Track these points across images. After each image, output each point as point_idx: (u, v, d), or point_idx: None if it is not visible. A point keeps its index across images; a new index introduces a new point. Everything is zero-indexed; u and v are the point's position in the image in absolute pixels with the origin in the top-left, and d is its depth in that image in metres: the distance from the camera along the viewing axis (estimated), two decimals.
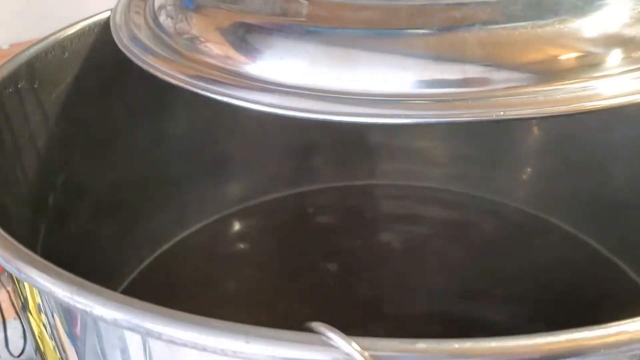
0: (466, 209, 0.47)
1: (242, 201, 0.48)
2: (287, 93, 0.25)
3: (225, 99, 0.25)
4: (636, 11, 0.26)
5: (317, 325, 0.18)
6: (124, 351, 0.23)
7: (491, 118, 0.23)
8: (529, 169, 0.48)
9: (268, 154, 0.47)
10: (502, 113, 0.23)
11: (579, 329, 0.18)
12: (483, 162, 0.48)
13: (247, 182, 0.49)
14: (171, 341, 0.19)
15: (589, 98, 0.23)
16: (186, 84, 0.27)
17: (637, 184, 0.41)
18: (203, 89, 0.26)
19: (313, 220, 0.48)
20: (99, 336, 0.23)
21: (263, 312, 0.40)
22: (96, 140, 0.39)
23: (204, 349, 0.19)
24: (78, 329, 0.24)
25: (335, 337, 0.17)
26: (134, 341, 0.22)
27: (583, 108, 0.23)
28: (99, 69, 0.37)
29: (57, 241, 0.38)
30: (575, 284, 0.40)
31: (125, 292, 0.44)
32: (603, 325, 0.18)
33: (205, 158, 0.45)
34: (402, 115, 0.23)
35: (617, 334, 0.18)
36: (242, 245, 0.48)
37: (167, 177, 0.44)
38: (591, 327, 0.18)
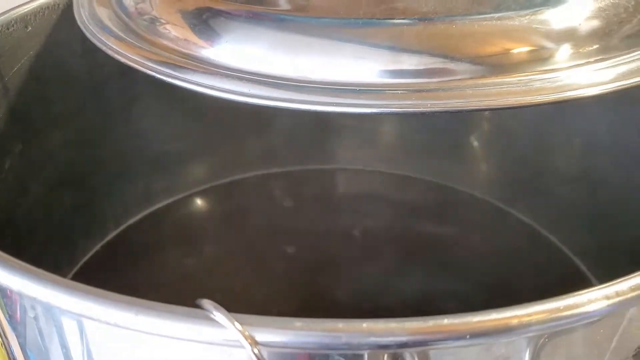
0: (424, 195, 0.48)
1: (206, 182, 0.49)
2: (243, 79, 0.25)
3: (186, 85, 0.26)
4: (589, 8, 0.27)
5: (204, 303, 0.19)
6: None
7: (446, 109, 0.24)
8: (485, 157, 0.49)
9: (230, 135, 0.48)
10: (457, 104, 0.24)
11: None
12: (442, 149, 0.49)
13: (211, 163, 0.49)
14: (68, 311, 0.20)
15: (540, 91, 0.24)
16: (152, 70, 0.27)
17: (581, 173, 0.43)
18: (163, 74, 0.26)
19: (273, 203, 0.48)
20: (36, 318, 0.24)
21: (219, 292, 0.41)
22: (56, 115, 0.39)
23: (99, 321, 0.20)
24: (18, 313, 0.25)
25: (219, 315, 0.18)
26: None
27: (535, 101, 0.24)
28: (62, 45, 0.37)
29: (16, 210, 0.38)
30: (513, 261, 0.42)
31: (88, 264, 0.45)
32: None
33: (167, 138, 0.46)
34: (355, 104, 0.23)
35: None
36: (203, 225, 0.48)
37: (129, 155, 0.44)
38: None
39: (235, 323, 0.18)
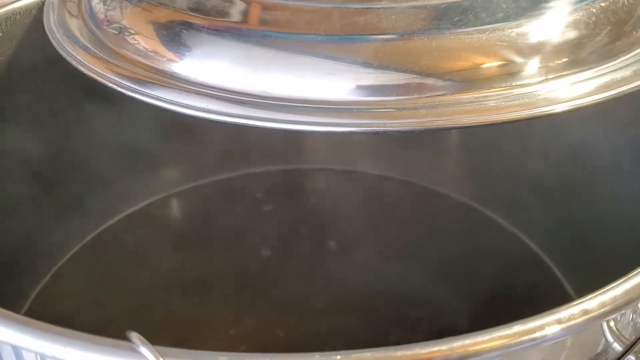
0: (403, 196, 0.49)
1: (183, 183, 0.49)
2: (203, 94, 0.25)
3: (147, 100, 0.26)
4: (556, 22, 0.27)
5: (132, 336, 0.19)
6: None
7: (411, 128, 0.24)
8: (464, 158, 0.49)
9: (208, 135, 0.48)
10: (415, 124, 0.24)
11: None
12: (422, 150, 0.49)
13: (188, 164, 0.50)
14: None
15: (510, 108, 0.24)
16: (115, 83, 0.27)
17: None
18: (130, 90, 0.27)
19: (250, 204, 0.48)
20: None
21: (194, 293, 0.41)
22: (30, 120, 0.39)
23: (29, 350, 0.20)
24: None
25: (145, 349, 0.19)
26: None
27: (503, 118, 0.24)
28: (35, 51, 0.37)
29: None
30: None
31: (67, 265, 0.45)
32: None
33: (143, 139, 0.46)
34: (315, 122, 0.24)
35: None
36: (181, 226, 0.49)
37: (104, 158, 0.44)
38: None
39: (160, 358, 0.18)
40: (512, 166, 0.45)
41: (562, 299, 0.40)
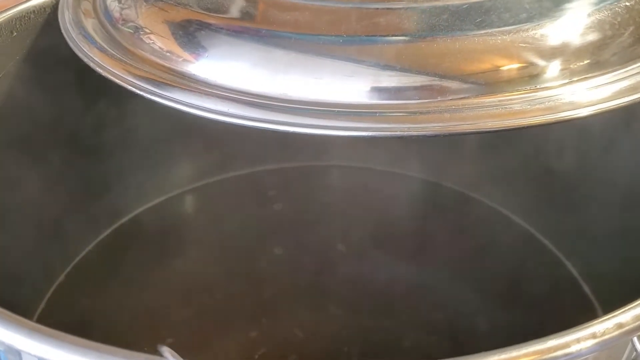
0: (416, 192, 0.48)
1: (197, 179, 0.49)
2: (223, 97, 0.25)
3: (165, 102, 0.26)
4: (578, 23, 0.26)
5: (164, 350, 0.19)
6: None
7: (436, 133, 0.23)
8: (478, 155, 0.49)
9: (222, 132, 0.48)
10: (436, 128, 0.23)
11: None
12: (435, 146, 0.49)
13: (203, 160, 0.49)
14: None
15: (535, 112, 0.24)
16: (132, 85, 0.27)
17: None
18: (147, 92, 0.26)
19: (264, 200, 0.48)
20: None
21: (208, 292, 0.41)
22: (44, 119, 0.39)
23: None
24: None
25: None
26: None
27: (528, 122, 0.24)
28: (50, 50, 0.37)
29: (5, 213, 0.38)
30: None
31: (81, 263, 0.45)
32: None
33: (158, 136, 0.46)
34: (332, 126, 0.23)
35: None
36: (195, 223, 0.49)
37: (116, 156, 0.44)
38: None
39: None
40: (531, 164, 0.44)
41: (579, 301, 0.40)
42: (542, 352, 0.18)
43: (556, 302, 0.39)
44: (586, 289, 0.41)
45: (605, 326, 0.19)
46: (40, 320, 0.40)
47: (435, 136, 0.22)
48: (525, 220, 0.46)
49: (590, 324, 0.19)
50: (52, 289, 0.42)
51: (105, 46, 0.29)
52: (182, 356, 0.18)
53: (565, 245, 0.43)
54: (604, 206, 0.40)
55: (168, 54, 0.28)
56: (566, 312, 0.38)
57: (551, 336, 0.18)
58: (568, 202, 0.43)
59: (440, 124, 0.23)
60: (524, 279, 0.40)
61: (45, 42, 0.37)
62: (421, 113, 0.23)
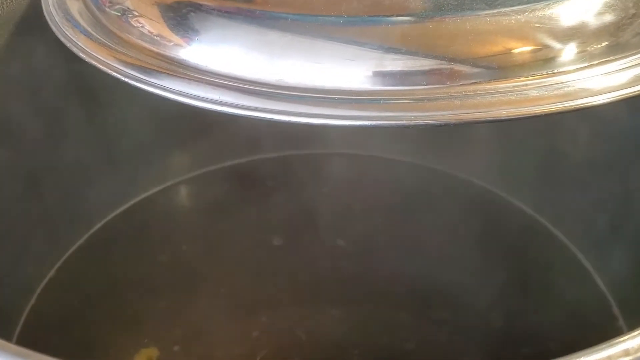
0: (423, 182, 0.46)
1: (195, 169, 0.48)
2: (215, 85, 0.23)
3: (153, 90, 0.24)
4: (596, 1, 0.25)
5: None
6: None
7: (446, 121, 0.22)
8: (484, 143, 0.47)
9: (221, 118, 0.46)
10: (445, 117, 0.21)
11: None
12: (441, 134, 0.47)
13: (201, 148, 0.48)
14: None
15: (552, 99, 0.22)
16: (118, 72, 0.25)
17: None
18: (134, 79, 0.24)
19: (265, 189, 0.47)
20: None
21: (206, 286, 0.40)
22: (34, 107, 0.37)
23: None
24: None
25: None
26: None
27: (545, 110, 0.22)
28: (34, 34, 0.35)
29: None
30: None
31: (73, 257, 0.44)
32: None
33: (154, 124, 0.44)
34: (332, 115, 0.22)
35: None
36: (192, 213, 0.47)
37: (111, 147, 0.42)
38: None
39: None
40: (540, 152, 0.43)
41: (593, 294, 0.38)
42: None
43: (568, 294, 0.37)
44: (599, 281, 0.40)
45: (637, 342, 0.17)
46: (30, 318, 0.39)
47: (445, 125, 0.21)
48: (535, 210, 0.44)
49: (620, 340, 0.17)
50: (43, 284, 0.41)
51: (91, 30, 0.28)
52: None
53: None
54: None
55: (157, 38, 0.26)
56: (581, 307, 0.36)
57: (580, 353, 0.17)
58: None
59: (450, 112, 0.21)
60: (534, 271, 0.39)
61: (29, 25, 0.35)
62: (429, 100, 0.21)
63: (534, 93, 0.22)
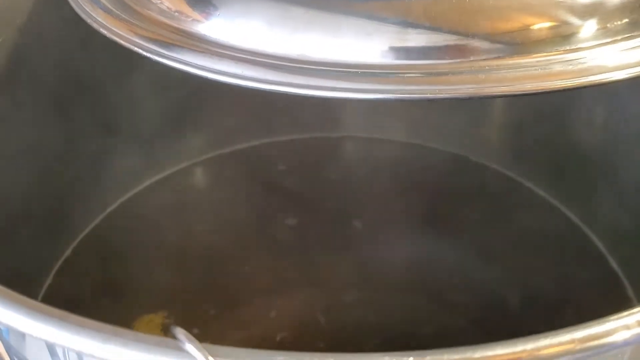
0: (438, 166, 0.46)
1: (208, 151, 0.48)
2: (237, 59, 0.23)
3: (175, 65, 0.24)
4: None
5: (177, 332, 0.17)
6: None
7: (455, 96, 0.22)
8: (500, 126, 0.47)
9: (233, 102, 0.46)
10: (469, 90, 0.21)
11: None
12: (456, 117, 0.47)
13: (213, 131, 0.48)
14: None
15: (561, 75, 0.22)
16: (140, 47, 0.25)
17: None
18: (156, 54, 0.24)
19: (276, 173, 0.47)
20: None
21: (222, 267, 0.40)
22: (46, 87, 0.37)
23: (65, 347, 0.19)
24: None
25: (190, 346, 0.17)
26: None
27: (555, 87, 0.22)
28: (50, 13, 0.35)
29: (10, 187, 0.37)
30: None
31: (89, 237, 0.44)
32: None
33: (167, 107, 0.44)
34: (356, 89, 0.22)
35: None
36: (205, 195, 0.47)
37: (127, 128, 0.42)
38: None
39: (209, 357, 0.17)
40: (553, 133, 0.42)
41: (605, 275, 0.38)
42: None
43: (583, 276, 0.37)
44: (614, 264, 0.39)
45: None
46: (47, 295, 0.39)
47: (469, 99, 0.21)
48: (549, 194, 0.44)
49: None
50: (59, 264, 0.41)
51: (110, 6, 0.27)
52: (196, 337, 0.17)
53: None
54: None
55: (177, 13, 0.26)
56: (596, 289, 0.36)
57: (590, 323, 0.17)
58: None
59: (474, 86, 0.21)
60: (549, 253, 0.39)
61: (46, 5, 0.35)
62: (453, 74, 0.21)
63: (557, 68, 0.21)
